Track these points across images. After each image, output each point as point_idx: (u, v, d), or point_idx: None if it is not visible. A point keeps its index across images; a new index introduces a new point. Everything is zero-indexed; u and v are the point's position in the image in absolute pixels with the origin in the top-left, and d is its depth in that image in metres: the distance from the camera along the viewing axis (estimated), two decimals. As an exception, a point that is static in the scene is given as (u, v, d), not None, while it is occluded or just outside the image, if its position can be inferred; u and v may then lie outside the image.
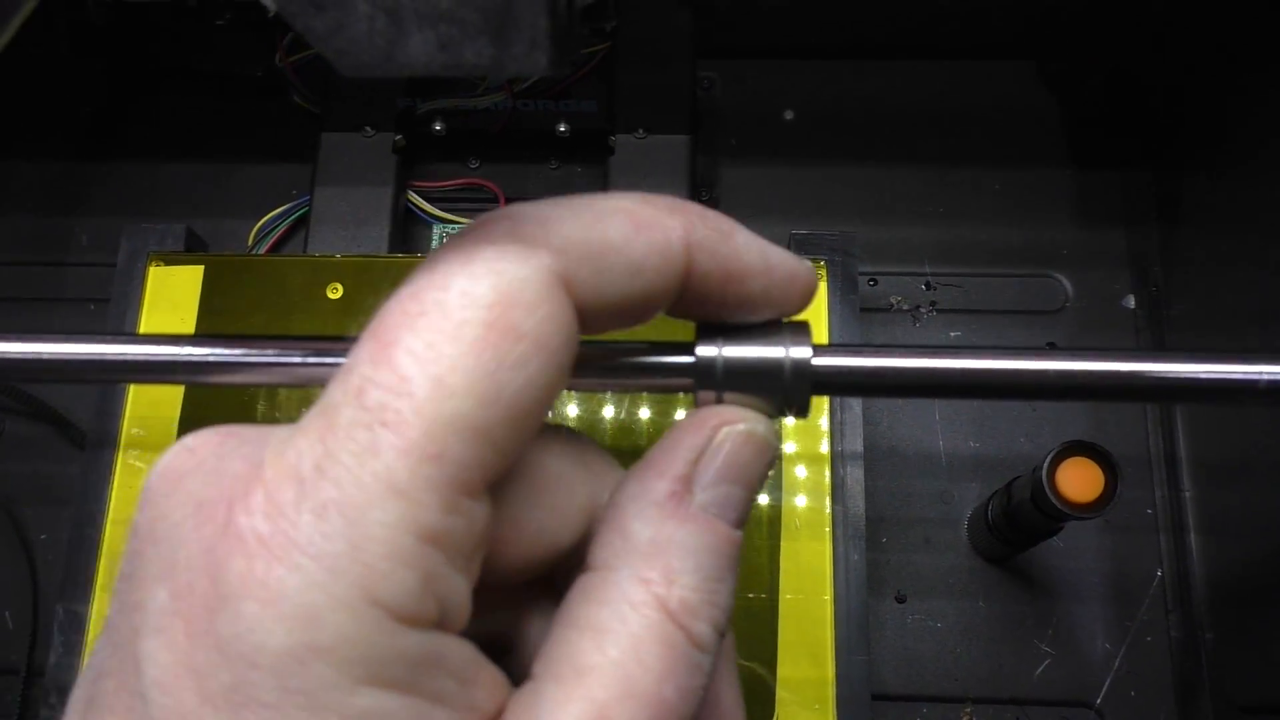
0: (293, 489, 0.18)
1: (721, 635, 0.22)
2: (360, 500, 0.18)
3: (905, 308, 0.68)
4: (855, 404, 0.57)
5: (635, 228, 0.21)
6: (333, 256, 0.61)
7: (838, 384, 0.25)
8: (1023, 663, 0.61)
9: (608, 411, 0.57)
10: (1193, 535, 0.62)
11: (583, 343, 0.22)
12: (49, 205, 0.75)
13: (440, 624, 0.19)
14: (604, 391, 0.55)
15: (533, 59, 0.18)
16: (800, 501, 0.55)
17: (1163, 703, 0.60)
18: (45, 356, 0.29)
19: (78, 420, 0.67)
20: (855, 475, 0.56)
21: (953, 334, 0.68)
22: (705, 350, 0.24)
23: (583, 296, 0.21)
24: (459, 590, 0.19)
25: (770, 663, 0.53)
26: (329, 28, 0.17)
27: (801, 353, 0.24)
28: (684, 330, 0.24)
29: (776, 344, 0.24)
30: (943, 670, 0.61)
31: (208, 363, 0.27)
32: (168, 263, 0.62)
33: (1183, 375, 0.25)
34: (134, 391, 0.59)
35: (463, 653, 0.20)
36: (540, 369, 0.19)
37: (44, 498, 0.67)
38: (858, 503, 0.55)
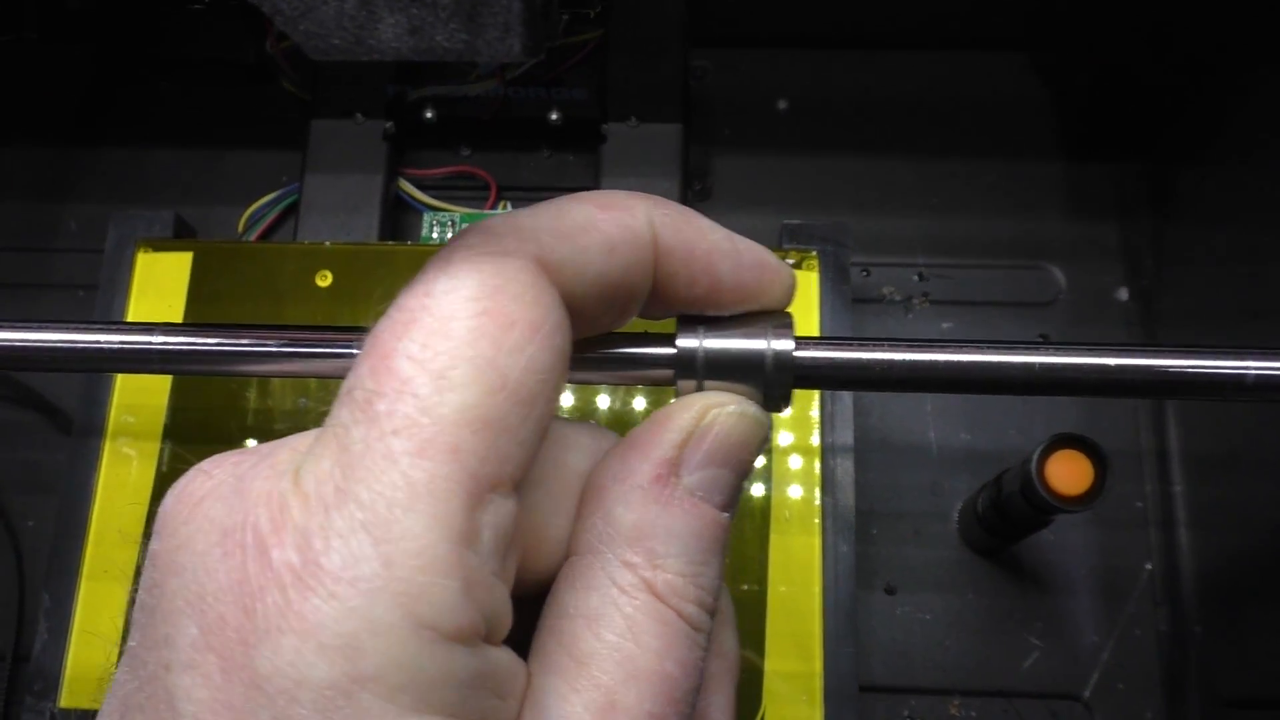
0: (318, 516, 0.18)
1: (712, 614, 0.22)
2: (386, 515, 0.17)
3: (897, 299, 0.68)
4: (846, 395, 0.57)
5: (600, 208, 0.22)
6: (322, 244, 0.61)
7: (821, 377, 0.25)
8: (1011, 655, 0.61)
9: (602, 401, 0.57)
10: (1182, 529, 0.62)
11: None
12: (38, 191, 0.74)
13: (487, 636, 0.19)
14: (587, 384, 0.55)
15: (506, 44, 0.17)
16: (790, 493, 0.55)
17: (1150, 696, 0.60)
18: (22, 345, 0.28)
19: (64, 406, 0.67)
20: (845, 467, 0.55)
21: (945, 325, 0.67)
22: (686, 341, 0.24)
23: (563, 279, 0.21)
24: (500, 597, 0.19)
25: (759, 650, 0.52)
26: (297, 10, 0.17)
27: (784, 345, 0.24)
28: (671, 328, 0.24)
29: (758, 336, 0.24)
30: (931, 662, 0.61)
31: (186, 352, 0.27)
32: (156, 249, 0.61)
33: (1170, 369, 0.25)
34: (121, 378, 0.58)
35: (505, 665, 0.19)
36: (538, 351, 0.19)
37: (30, 484, 0.66)
38: (847, 495, 0.55)
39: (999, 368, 0.25)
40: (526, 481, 0.20)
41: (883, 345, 0.25)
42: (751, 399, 0.23)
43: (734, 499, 0.23)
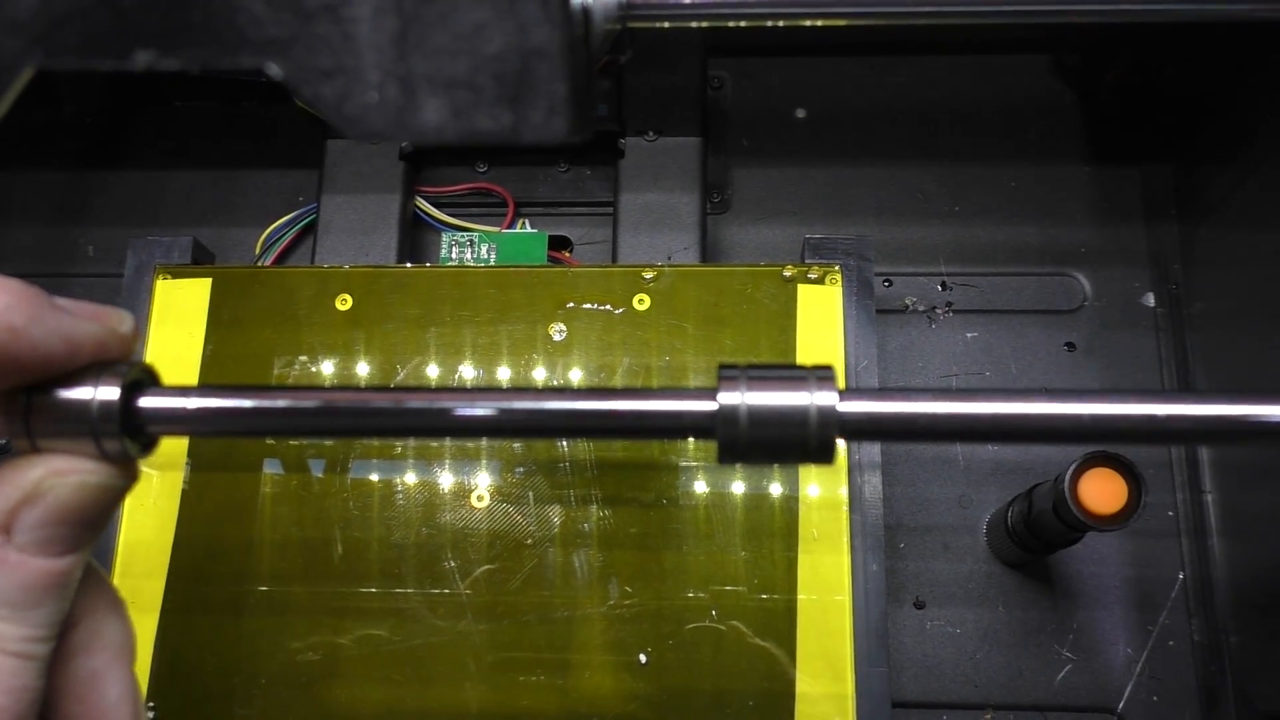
0: None
1: (46, 642, 0.24)
2: None
3: (921, 308, 0.67)
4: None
5: None
6: (341, 267, 0.60)
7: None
8: (1043, 668, 0.60)
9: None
10: (1215, 538, 0.61)
11: None
12: (54, 215, 0.74)
13: None
14: None
15: (551, 126, 0.17)
16: (817, 511, 0.55)
17: (1186, 708, 0.59)
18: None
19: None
20: (873, 484, 0.55)
21: (969, 335, 0.67)
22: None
23: None
24: None
25: (791, 667, 0.52)
26: (339, 95, 0.17)
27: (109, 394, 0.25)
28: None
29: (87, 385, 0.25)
30: (963, 677, 0.60)
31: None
32: (175, 275, 0.61)
33: (1217, 417, 0.24)
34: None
35: None
36: None
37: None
38: (876, 512, 0.54)
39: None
40: None
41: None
42: (92, 449, 0.24)
43: (80, 540, 0.24)
